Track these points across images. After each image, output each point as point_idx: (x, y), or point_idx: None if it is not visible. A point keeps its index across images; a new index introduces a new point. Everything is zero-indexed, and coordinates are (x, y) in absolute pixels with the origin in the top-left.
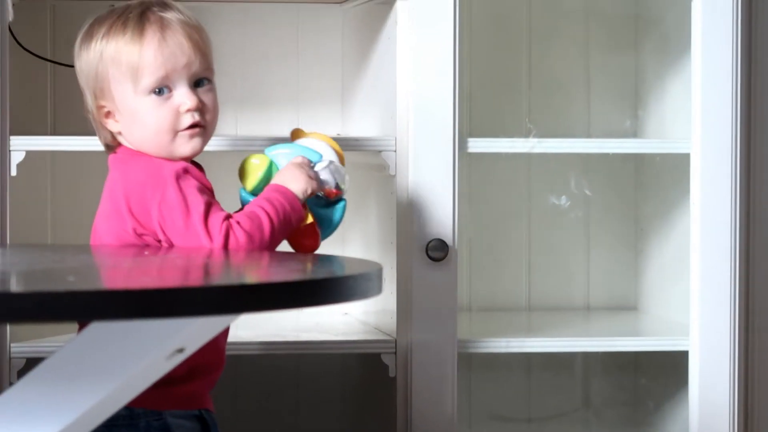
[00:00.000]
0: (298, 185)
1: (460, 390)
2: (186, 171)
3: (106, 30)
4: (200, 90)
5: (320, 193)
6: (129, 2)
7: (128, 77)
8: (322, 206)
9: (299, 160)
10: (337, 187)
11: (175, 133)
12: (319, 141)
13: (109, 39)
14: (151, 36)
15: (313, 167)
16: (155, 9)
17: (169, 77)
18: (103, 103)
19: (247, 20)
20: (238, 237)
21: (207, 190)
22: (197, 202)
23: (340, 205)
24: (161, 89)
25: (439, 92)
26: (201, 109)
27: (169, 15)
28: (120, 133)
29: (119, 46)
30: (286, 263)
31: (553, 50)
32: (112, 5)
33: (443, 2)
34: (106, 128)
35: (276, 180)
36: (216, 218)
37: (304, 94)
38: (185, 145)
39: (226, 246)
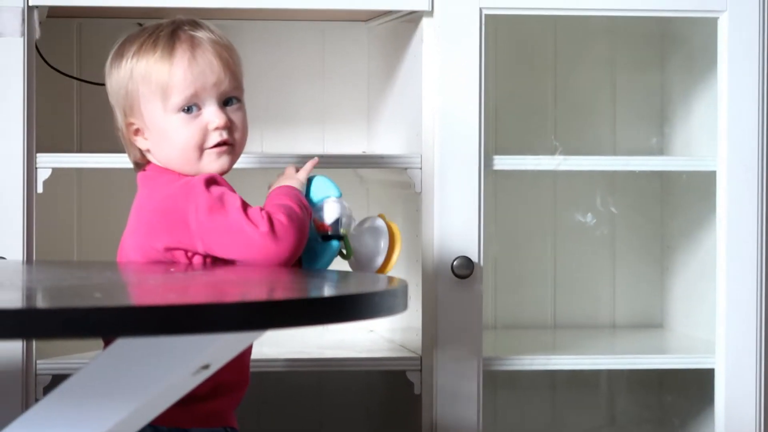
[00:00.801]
0: (292, 181)
1: (485, 408)
2: (214, 179)
3: (137, 48)
4: (229, 109)
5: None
6: (160, 21)
7: (158, 95)
8: (317, 240)
9: (286, 171)
10: (335, 224)
11: (203, 150)
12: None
13: (140, 57)
14: (181, 54)
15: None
16: (186, 28)
17: (198, 95)
18: (132, 120)
19: (272, 39)
20: (282, 220)
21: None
22: (232, 199)
23: (335, 244)
24: (190, 107)
25: (464, 110)
26: (229, 127)
27: (200, 34)
28: (149, 151)
29: (149, 65)
30: (311, 279)
31: (579, 68)
32: (139, 23)
33: (469, 20)
34: (135, 146)
35: (273, 187)
36: (254, 209)
37: (330, 111)
38: (213, 163)
39: (272, 230)
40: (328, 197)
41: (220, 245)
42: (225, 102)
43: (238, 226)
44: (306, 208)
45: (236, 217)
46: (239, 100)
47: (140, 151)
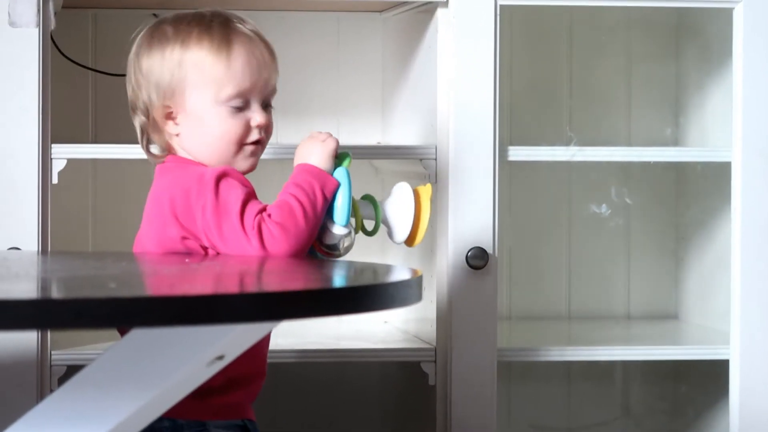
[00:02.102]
0: (318, 157)
1: (499, 399)
2: (226, 173)
3: (187, 35)
4: (266, 110)
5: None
6: (198, 11)
7: (210, 85)
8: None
9: (313, 134)
10: (329, 247)
11: (241, 146)
12: (403, 196)
13: (192, 44)
14: (239, 47)
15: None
16: (235, 21)
17: (250, 91)
18: (169, 104)
19: (287, 29)
20: (272, 231)
21: (246, 189)
22: (234, 202)
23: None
24: (238, 101)
25: (479, 100)
26: (266, 127)
27: (249, 29)
28: (178, 135)
29: (204, 53)
30: (326, 270)
31: (594, 59)
32: (154, 14)
33: (484, 10)
34: (162, 131)
35: (297, 160)
36: (249, 215)
37: (345, 102)
38: (245, 161)
39: (261, 242)
40: (334, 223)
41: (220, 244)
42: (265, 105)
43: (234, 232)
44: (324, 189)
45: (234, 223)
46: (271, 105)
47: (165, 137)
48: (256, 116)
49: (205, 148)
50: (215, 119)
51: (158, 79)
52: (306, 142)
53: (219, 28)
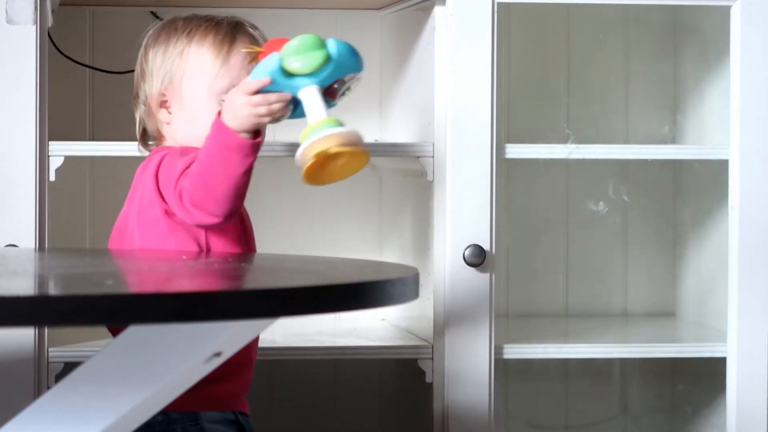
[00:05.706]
0: (236, 121)
1: (496, 396)
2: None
3: (194, 28)
4: None
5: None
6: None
7: (206, 78)
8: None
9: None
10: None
11: None
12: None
13: (196, 37)
14: (241, 46)
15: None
16: (246, 24)
17: None
18: (165, 92)
19: (285, 27)
20: (184, 202)
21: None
22: (180, 165)
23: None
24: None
25: (477, 98)
26: None
27: (258, 34)
28: (168, 124)
29: (206, 47)
30: (323, 267)
31: (591, 56)
32: (152, 12)
33: (481, 8)
34: (155, 118)
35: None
36: (177, 181)
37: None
38: None
39: (185, 208)
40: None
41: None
42: None
43: (170, 195)
44: (227, 153)
45: (171, 189)
46: None
47: (157, 124)
48: None
49: (194, 139)
50: (206, 112)
51: (158, 68)
52: (231, 102)
53: (227, 27)
